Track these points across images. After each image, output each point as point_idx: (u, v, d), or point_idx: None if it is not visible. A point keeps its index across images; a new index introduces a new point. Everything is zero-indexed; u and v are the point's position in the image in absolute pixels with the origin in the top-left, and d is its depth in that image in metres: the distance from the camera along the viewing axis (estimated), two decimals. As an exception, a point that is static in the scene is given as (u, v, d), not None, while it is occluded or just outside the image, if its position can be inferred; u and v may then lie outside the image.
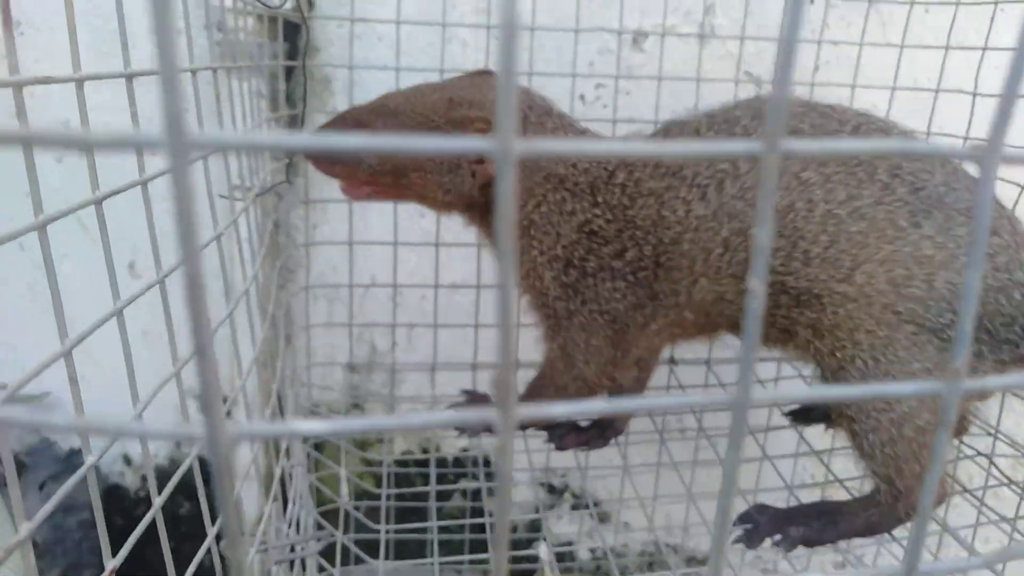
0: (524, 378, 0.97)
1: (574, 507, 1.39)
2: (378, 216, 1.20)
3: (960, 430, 0.95)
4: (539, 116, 0.87)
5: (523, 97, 0.87)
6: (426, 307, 1.27)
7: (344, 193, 0.89)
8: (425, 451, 1.34)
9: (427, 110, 0.83)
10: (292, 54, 1.17)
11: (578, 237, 0.85)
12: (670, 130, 0.88)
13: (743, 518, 0.85)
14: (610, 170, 0.85)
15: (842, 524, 0.81)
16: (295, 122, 1.21)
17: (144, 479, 1.45)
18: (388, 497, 1.09)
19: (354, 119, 0.85)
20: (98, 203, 0.50)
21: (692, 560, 1.44)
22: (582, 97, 1.19)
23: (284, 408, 1.14)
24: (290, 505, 0.89)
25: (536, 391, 0.94)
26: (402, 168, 0.85)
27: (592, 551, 1.45)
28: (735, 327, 0.88)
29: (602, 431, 1.02)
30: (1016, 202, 0.96)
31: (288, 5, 1.13)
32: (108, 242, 0.51)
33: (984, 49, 0.99)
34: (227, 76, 0.94)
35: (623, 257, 0.84)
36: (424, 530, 1.12)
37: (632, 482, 1.13)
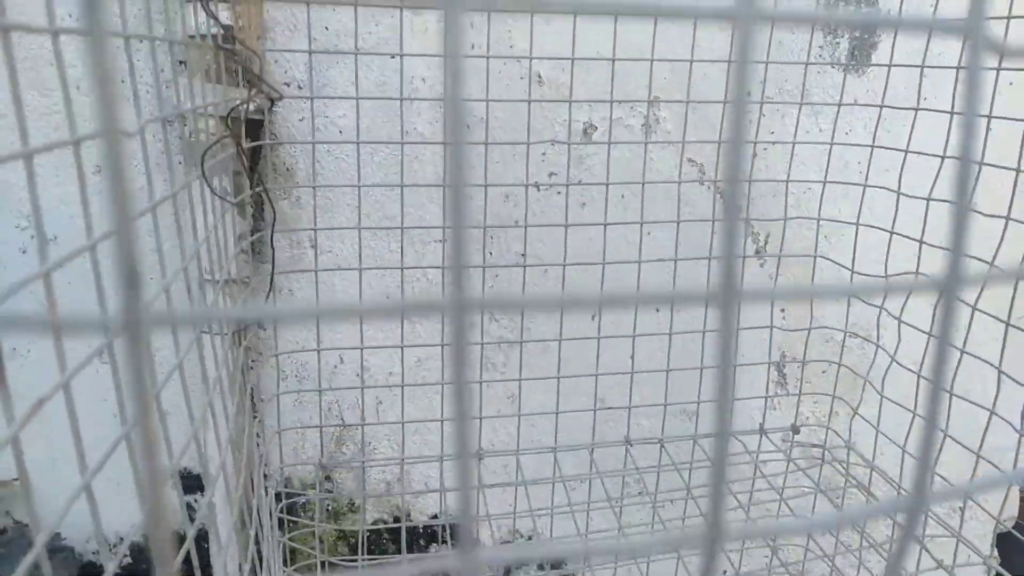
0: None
1: (539, 567, 1.45)
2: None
3: None
4: None
5: None
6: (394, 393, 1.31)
7: None
8: (396, 519, 1.39)
9: None
10: (253, 150, 1.20)
11: None
12: None
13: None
14: None
15: None
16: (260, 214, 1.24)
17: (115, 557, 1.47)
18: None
19: None
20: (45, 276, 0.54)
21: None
22: (537, 186, 1.25)
23: (255, 485, 1.17)
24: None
25: None
26: None
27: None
28: None
29: None
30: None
31: (251, 107, 1.17)
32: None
33: (906, 152, 1.06)
34: (184, 172, 0.98)
35: None
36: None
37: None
